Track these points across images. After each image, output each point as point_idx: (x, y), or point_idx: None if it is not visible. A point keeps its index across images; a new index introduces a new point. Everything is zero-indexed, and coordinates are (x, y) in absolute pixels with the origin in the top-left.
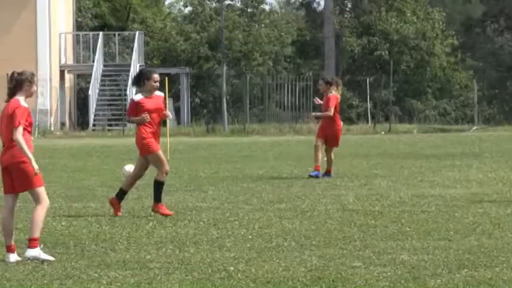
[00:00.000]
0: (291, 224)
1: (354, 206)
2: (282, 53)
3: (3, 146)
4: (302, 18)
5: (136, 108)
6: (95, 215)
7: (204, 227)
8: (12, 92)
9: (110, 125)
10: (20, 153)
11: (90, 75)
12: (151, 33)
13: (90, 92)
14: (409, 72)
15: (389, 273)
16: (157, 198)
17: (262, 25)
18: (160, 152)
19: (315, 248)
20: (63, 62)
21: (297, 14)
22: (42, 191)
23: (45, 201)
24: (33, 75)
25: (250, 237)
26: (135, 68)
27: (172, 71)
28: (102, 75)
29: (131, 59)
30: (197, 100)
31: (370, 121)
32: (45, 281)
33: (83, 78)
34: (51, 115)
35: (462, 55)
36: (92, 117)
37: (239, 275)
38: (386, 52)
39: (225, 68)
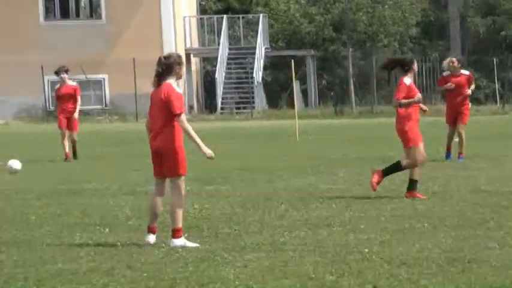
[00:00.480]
0: (424, 205)
1: (486, 187)
2: (407, 34)
3: (153, 130)
4: None
5: (409, 91)
6: (227, 197)
7: (336, 209)
8: (162, 76)
9: (238, 108)
10: (171, 139)
11: (216, 58)
12: (275, 16)
13: (216, 75)
14: None
15: None
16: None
17: (386, 6)
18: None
19: (448, 229)
20: (188, 45)
21: None
22: (183, 180)
23: (183, 191)
24: (179, 56)
25: (383, 219)
26: (260, 50)
27: (298, 53)
28: (228, 59)
29: (256, 41)
30: (324, 82)
31: (498, 102)
32: (180, 264)
33: (208, 61)
34: None
35: None
36: (219, 100)
37: (373, 257)
38: None
39: (350, 50)
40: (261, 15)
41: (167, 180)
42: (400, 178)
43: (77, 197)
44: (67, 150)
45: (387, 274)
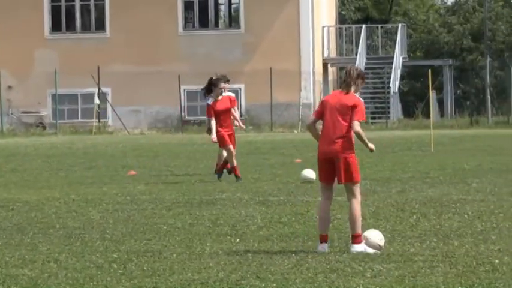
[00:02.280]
0: None
1: None
2: None
3: (327, 137)
4: None
5: None
6: None
7: (468, 219)
8: (349, 85)
9: (373, 118)
10: (349, 146)
11: None
12: (414, 25)
13: None
14: None
15: None
16: None
17: None
18: None
19: None
20: (326, 55)
21: None
22: (359, 186)
23: (360, 196)
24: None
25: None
26: (398, 60)
27: (436, 63)
28: (365, 68)
29: (394, 51)
30: (459, 92)
31: None
32: (309, 274)
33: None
34: (314, 109)
35: None
36: None
37: (504, 268)
38: None
39: (488, 59)
40: (400, 24)
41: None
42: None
43: (209, 206)
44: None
45: None
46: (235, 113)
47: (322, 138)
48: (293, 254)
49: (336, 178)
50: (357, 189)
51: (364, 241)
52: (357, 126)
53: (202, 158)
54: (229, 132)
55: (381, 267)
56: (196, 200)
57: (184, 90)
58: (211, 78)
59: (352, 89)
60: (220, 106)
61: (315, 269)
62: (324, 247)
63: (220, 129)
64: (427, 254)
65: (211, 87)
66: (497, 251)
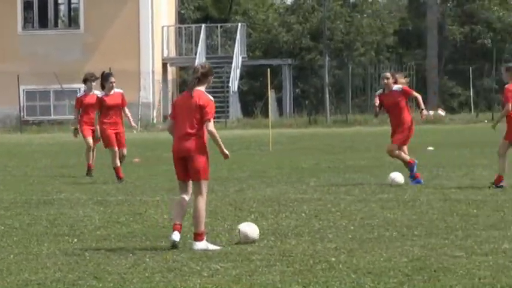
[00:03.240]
0: (393, 214)
1: (456, 196)
2: (384, 43)
3: (178, 134)
4: (405, 8)
5: None
6: None
7: (305, 218)
8: (194, 84)
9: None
10: (199, 144)
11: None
12: (254, 25)
13: None
14: None
15: (491, 263)
16: None
17: (365, 15)
18: None
19: (416, 238)
20: (165, 55)
21: (400, 3)
22: (206, 184)
23: (206, 195)
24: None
25: (352, 228)
26: (237, 60)
27: (275, 62)
28: None
29: (233, 51)
30: (298, 91)
31: (473, 110)
32: (146, 274)
33: (185, 70)
34: (154, 108)
35: None
36: None
37: (340, 266)
38: (489, 40)
39: (327, 58)
40: (239, 24)
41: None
42: (371, 188)
43: (47, 206)
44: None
45: (353, 283)
46: (128, 112)
47: (175, 137)
48: (130, 254)
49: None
50: (204, 187)
51: (240, 235)
52: (210, 126)
53: (41, 158)
54: (117, 131)
55: (218, 266)
56: (34, 200)
57: (23, 90)
58: (103, 72)
59: (203, 87)
60: (110, 101)
61: (153, 269)
62: (176, 236)
63: (106, 126)
64: (265, 253)
65: (103, 83)
66: (334, 249)
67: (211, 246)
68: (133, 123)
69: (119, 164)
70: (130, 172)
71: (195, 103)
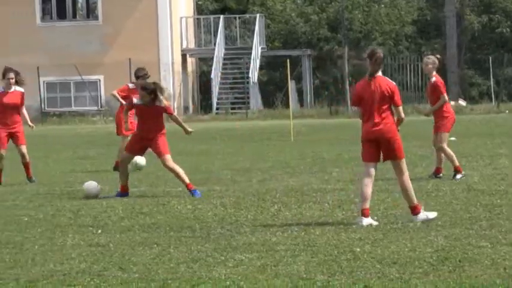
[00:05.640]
0: None
1: (479, 186)
2: (403, 33)
3: (370, 118)
4: None
5: None
6: (220, 198)
7: (329, 208)
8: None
9: (233, 108)
10: (394, 127)
11: (212, 58)
12: (272, 16)
13: (212, 76)
14: None
15: None
16: None
17: (382, 5)
18: None
19: (441, 228)
20: (184, 46)
21: None
22: (404, 161)
23: (407, 171)
24: None
25: (375, 218)
26: (256, 50)
27: (294, 53)
28: (224, 59)
29: (252, 42)
30: (317, 82)
31: (493, 100)
32: (171, 265)
33: (204, 61)
34: (174, 99)
35: None
36: (215, 100)
37: (365, 256)
38: (508, 30)
39: (346, 49)
40: (258, 15)
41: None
42: (394, 178)
43: (70, 197)
44: None
45: (378, 273)
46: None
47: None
48: (155, 245)
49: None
50: (404, 164)
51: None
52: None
53: (62, 150)
54: (13, 130)
55: (243, 256)
56: (57, 192)
57: (43, 81)
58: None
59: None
60: (7, 99)
61: (177, 260)
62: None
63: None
64: (289, 243)
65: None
66: (358, 240)
67: (431, 215)
68: (31, 124)
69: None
70: (152, 164)
71: (386, 90)
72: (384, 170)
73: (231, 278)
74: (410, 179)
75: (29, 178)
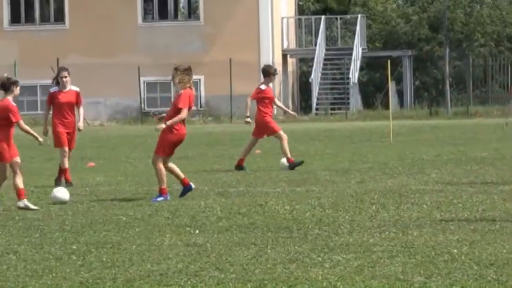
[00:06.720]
0: None
1: None
2: (504, 34)
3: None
4: None
5: None
6: (318, 198)
7: (427, 210)
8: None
9: (333, 109)
10: None
11: (312, 59)
12: (373, 16)
13: (312, 76)
14: None
15: None
16: None
17: (484, 5)
18: None
19: None
20: (285, 46)
21: None
22: None
23: None
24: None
25: (473, 219)
26: (357, 51)
27: (395, 53)
28: (325, 59)
29: (353, 42)
30: (417, 83)
31: None
32: (268, 265)
33: (304, 62)
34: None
35: None
36: (314, 101)
37: (463, 258)
38: None
39: (447, 50)
40: (359, 15)
41: None
42: (493, 180)
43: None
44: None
45: (476, 275)
46: (82, 110)
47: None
48: (252, 245)
49: None
50: None
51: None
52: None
53: None
54: (69, 131)
55: (340, 257)
56: (155, 191)
57: (144, 81)
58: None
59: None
60: (63, 98)
61: (274, 260)
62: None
63: (60, 125)
64: (386, 244)
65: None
66: (455, 241)
67: None
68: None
69: (67, 165)
70: (251, 164)
71: None
72: (482, 172)
73: (327, 279)
74: None
75: (66, 180)
